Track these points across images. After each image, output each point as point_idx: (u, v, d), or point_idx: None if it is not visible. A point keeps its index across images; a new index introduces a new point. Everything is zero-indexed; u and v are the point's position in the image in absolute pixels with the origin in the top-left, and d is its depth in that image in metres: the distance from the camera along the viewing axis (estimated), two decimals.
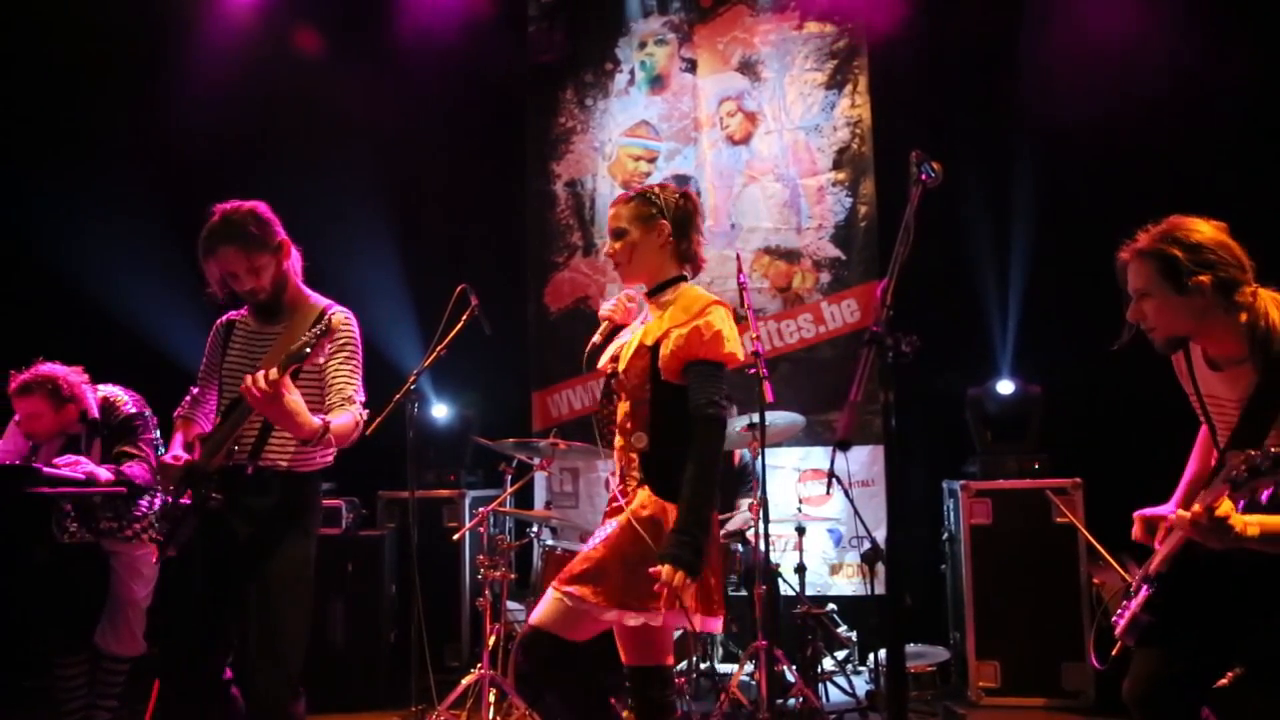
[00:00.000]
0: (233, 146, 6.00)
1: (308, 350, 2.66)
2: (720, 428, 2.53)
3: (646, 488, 2.54)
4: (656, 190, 2.71)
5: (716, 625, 2.59)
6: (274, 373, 2.60)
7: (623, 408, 2.62)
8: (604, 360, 2.73)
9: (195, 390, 3.17)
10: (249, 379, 2.61)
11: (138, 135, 5.93)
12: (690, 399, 2.51)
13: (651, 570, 2.40)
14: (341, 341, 2.96)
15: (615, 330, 2.83)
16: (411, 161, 6.18)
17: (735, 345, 2.56)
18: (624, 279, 2.75)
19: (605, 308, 2.83)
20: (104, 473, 3.77)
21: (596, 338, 2.77)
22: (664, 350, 2.53)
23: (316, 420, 2.74)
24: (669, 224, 2.66)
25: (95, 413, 3.94)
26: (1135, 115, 5.04)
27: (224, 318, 3.15)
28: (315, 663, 4.16)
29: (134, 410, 3.97)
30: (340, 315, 2.92)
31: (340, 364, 2.95)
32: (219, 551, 2.88)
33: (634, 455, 2.58)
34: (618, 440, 2.64)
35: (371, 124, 6.10)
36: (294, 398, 2.68)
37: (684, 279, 2.71)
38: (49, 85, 6.07)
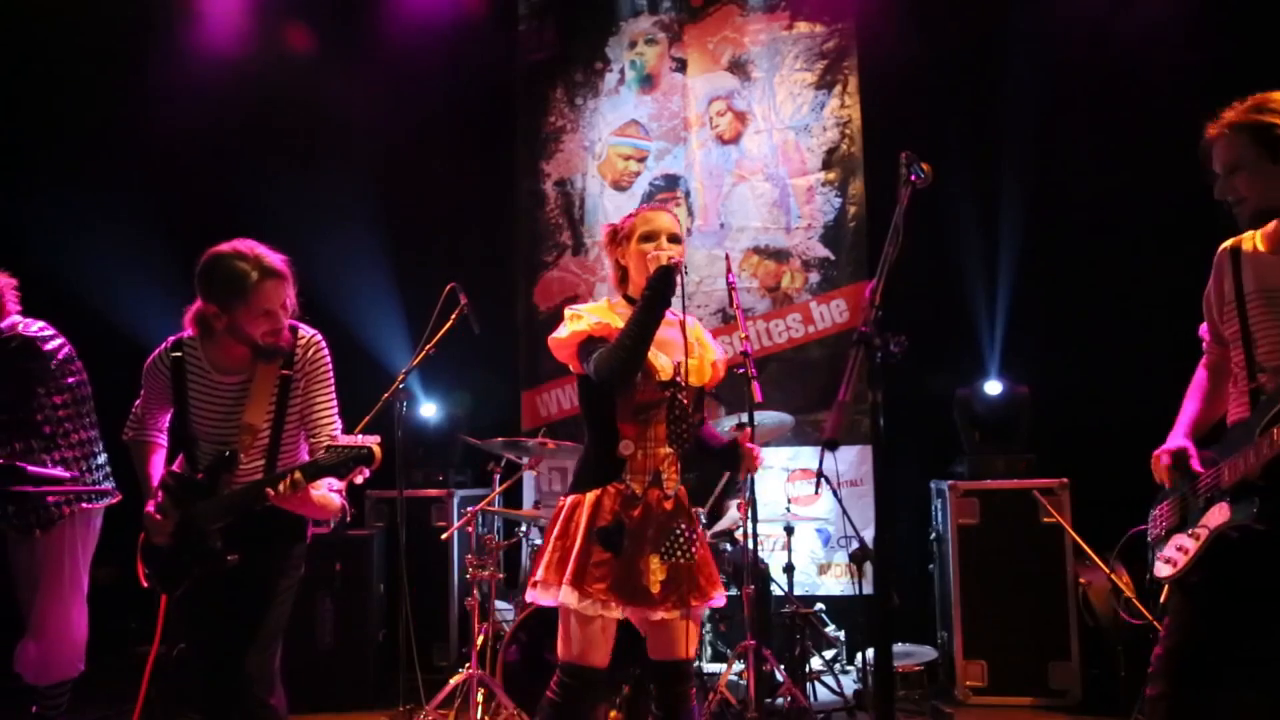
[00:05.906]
0: (221, 144, 5.97)
1: (343, 472, 2.70)
2: None
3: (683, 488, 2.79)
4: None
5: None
6: (300, 478, 2.71)
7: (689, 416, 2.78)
8: (668, 369, 2.73)
9: (137, 406, 3.04)
10: (277, 490, 2.70)
11: (127, 134, 5.89)
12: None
13: None
14: (320, 370, 2.95)
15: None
16: (401, 159, 6.16)
17: None
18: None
19: (670, 255, 2.68)
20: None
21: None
22: (715, 372, 2.90)
23: (337, 501, 2.87)
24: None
25: (20, 327, 3.49)
26: (1125, 116, 5.05)
27: (157, 352, 2.95)
28: (303, 662, 4.17)
29: (65, 351, 3.55)
30: (319, 346, 2.94)
31: (320, 395, 2.94)
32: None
33: (677, 459, 2.77)
34: (662, 445, 2.72)
35: (360, 122, 6.08)
36: (318, 494, 2.80)
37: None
38: (36, 83, 6.03)
